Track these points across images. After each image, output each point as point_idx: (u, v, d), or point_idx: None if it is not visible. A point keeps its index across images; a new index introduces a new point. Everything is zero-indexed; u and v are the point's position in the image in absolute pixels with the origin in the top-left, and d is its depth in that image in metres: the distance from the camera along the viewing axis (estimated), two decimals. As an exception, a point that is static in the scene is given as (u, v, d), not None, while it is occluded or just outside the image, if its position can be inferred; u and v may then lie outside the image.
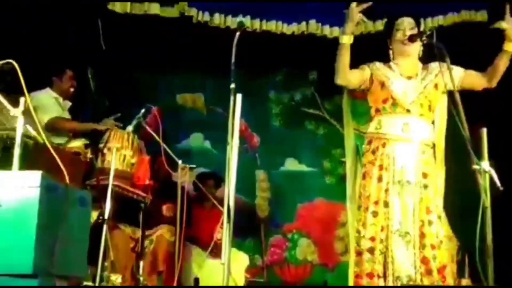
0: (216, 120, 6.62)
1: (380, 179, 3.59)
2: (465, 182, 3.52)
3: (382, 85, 3.70)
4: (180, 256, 4.35)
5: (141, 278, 4.32)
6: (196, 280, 5.08)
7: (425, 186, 3.57)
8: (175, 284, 4.40)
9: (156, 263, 4.85)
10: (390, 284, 3.46)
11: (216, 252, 4.70)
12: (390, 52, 3.76)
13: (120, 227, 4.55)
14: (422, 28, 3.56)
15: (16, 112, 2.88)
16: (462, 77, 3.63)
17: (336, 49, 3.60)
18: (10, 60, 2.98)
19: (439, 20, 5.31)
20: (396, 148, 3.61)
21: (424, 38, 3.50)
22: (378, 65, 3.76)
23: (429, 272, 3.44)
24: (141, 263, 4.38)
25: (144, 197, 4.39)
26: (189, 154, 6.50)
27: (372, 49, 3.80)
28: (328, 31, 5.50)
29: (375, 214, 3.57)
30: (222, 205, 2.78)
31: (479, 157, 2.81)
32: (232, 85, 2.84)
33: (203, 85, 6.85)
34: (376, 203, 3.57)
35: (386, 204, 3.56)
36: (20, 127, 2.86)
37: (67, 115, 4.71)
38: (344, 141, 6.37)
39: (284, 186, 6.82)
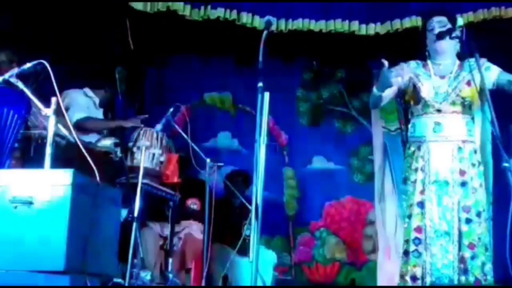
0: (244, 119, 6.65)
1: (416, 181, 3.58)
2: (495, 180, 3.50)
3: (414, 86, 3.68)
4: (208, 254, 4.37)
5: (170, 275, 4.35)
6: (225, 278, 5.10)
7: (463, 184, 3.53)
8: (203, 282, 4.42)
9: (185, 261, 4.88)
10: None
11: (244, 250, 4.71)
12: (427, 51, 3.72)
13: (149, 225, 4.60)
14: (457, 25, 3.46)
15: (48, 111, 2.93)
16: (498, 77, 3.56)
17: (364, 47, 3.57)
18: (42, 61, 3.03)
19: (469, 16, 5.24)
20: (431, 149, 3.58)
21: (453, 35, 3.44)
22: (412, 64, 3.73)
23: (466, 272, 3.41)
24: (170, 261, 4.42)
25: (173, 195, 4.42)
26: (217, 152, 6.52)
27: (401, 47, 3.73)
28: (356, 28, 5.44)
29: (409, 217, 3.57)
30: (250, 203, 2.79)
31: (509, 154, 2.78)
32: (260, 84, 2.84)
33: (231, 84, 6.86)
34: (411, 205, 3.57)
35: (421, 205, 3.54)
36: (51, 126, 2.90)
37: (100, 115, 4.73)
38: (372, 138, 6.38)
39: (312, 184, 6.79)
